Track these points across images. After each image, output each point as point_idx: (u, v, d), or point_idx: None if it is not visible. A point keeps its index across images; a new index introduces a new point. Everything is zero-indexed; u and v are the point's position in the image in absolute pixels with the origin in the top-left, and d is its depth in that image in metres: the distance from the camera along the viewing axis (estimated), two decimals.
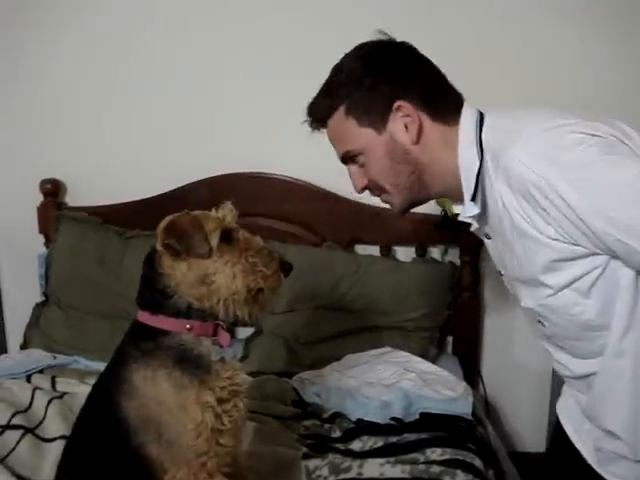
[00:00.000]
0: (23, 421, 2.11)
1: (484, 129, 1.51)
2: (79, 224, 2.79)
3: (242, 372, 1.61)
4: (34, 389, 2.28)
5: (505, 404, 2.95)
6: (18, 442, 2.03)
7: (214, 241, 1.49)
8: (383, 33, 1.59)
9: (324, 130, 1.63)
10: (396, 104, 1.53)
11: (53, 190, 2.85)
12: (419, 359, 2.52)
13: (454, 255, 2.75)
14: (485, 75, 2.62)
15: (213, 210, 1.56)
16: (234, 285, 1.49)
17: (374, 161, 1.58)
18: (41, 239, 2.88)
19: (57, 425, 2.12)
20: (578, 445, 1.64)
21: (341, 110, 1.57)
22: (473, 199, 1.52)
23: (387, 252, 2.78)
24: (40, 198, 2.86)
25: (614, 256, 1.37)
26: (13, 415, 2.12)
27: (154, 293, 1.53)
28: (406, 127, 1.53)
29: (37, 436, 2.08)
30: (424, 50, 1.58)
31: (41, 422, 2.14)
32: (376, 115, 1.54)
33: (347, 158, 1.62)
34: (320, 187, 2.69)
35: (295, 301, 2.62)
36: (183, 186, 2.78)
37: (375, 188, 1.64)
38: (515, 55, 2.67)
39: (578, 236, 1.35)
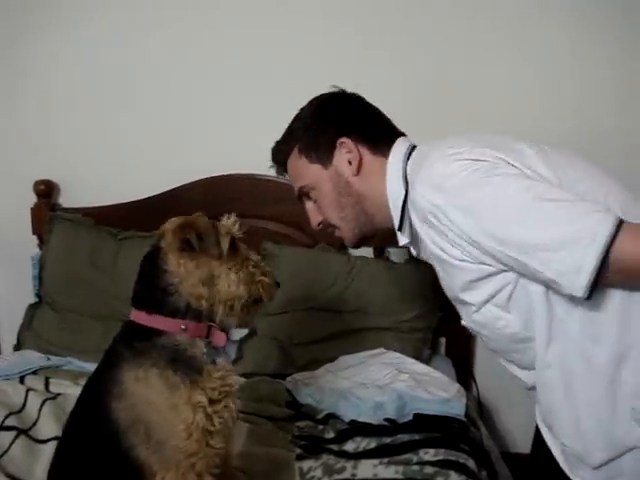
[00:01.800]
0: (17, 422, 2.11)
1: (409, 162, 1.63)
2: (73, 225, 2.79)
3: (233, 373, 1.62)
4: (27, 390, 2.28)
5: (498, 405, 2.95)
6: (12, 443, 2.03)
7: (224, 245, 1.55)
8: (336, 87, 1.79)
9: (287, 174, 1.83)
10: (339, 141, 1.71)
11: (46, 191, 2.85)
12: (412, 360, 2.53)
13: None
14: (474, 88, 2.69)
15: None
16: (238, 289, 1.56)
17: (322, 194, 1.74)
18: (34, 240, 2.87)
19: (51, 426, 2.12)
20: (552, 448, 1.65)
21: (295, 150, 1.76)
22: (400, 229, 1.64)
23: (380, 253, 2.78)
24: (34, 199, 2.86)
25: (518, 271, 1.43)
26: (7, 416, 2.12)
27: (154, 291, 1.55)
28: (349, 162, 1.70)
29: (31, 437, 2.09)
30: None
31: (35, 423, 2.15)
32: (323, 152, 1.73)
33: (302, 194, 1.80)
34: None
35: (289, 302, 2.62)
36: (177, 187, 2.78)
37: (328, 225, 1.79)
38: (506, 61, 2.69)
39: (479, 255, 1.43)
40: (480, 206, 1.38)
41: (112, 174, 2.87)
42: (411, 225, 1.61)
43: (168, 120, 2.82)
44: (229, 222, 1.60)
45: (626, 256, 1.28)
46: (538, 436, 1.72)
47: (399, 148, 1.67)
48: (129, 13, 2.76)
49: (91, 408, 1.57)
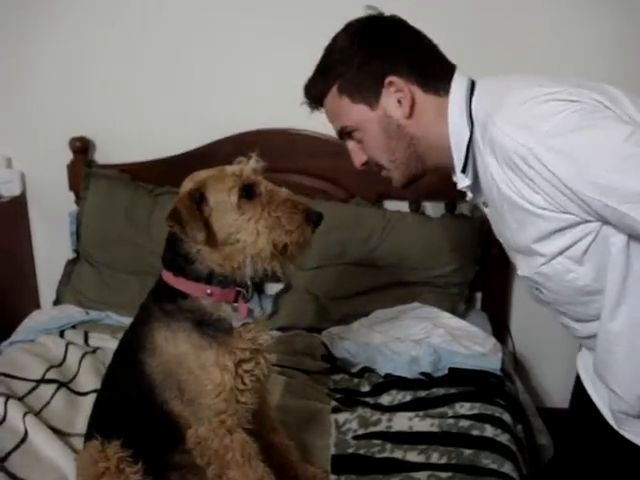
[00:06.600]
0: (57, 375, 2.16)
1: (474, 99, 1.51)
2: (109, 181, 2.80)
3: (266, 331, 1.60)
4: (67, 344, 2.33)
5: (534, 360, 2.94)
6: (53, 396, 2.08)
7: (233, 198, 1.46)
8: (373, 8, 1.60)
9: (322, 109, 1.66)
10: (387, 80, 1.55)
11: (83, 148, 2.86)
12: (448, 314, 2.53)
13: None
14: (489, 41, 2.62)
15: (236, 163, 1.56)
16: (259, 242, 1.45)
17: (369, 137, 1.61)
18: (72, 196, 2.89)
19: (90, 379, 2.16)
20: (597, 402, 1.64)
21: (334, 89, 1.60)
22: (463, 170, 1.54)
23: (416, 207, 2.76)
24: (70, 156, 2.87)
25: (605, 222, 1.35)
26: (47, 369, 2.17)
27: (177, 256, 1.53)
28: (399, 102, 1.56)
29: (71, 390, 2.14)
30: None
31: (75, 376, 2.20)
32: (368, 92, 1.57)
33: (344, 134, 1.66)
34: None
35: (324, 257, 2.62)
36: (211, 142, 2.78)
37: (374, 164, 1.66)
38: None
39: (567, 204, 1.34)
40: (581, 151, 1.28)
41: (147, 130, 2.87)
42: (474, 167, 1.53)
43: (202, 75, 2.80)
44: (239, 167, 1.52)
45: None
46: (578, 389, 1.71)
47: (459, 83, 1.53)
48: None
49: (127, 362, 1.60)
